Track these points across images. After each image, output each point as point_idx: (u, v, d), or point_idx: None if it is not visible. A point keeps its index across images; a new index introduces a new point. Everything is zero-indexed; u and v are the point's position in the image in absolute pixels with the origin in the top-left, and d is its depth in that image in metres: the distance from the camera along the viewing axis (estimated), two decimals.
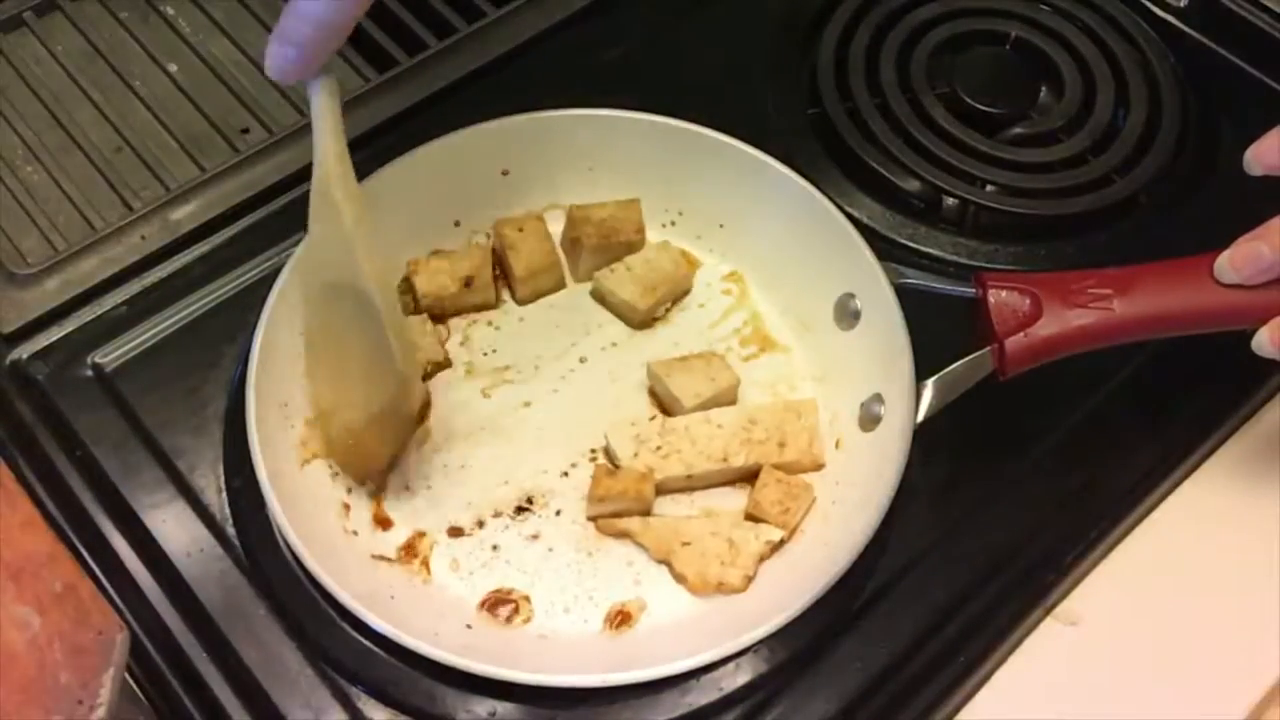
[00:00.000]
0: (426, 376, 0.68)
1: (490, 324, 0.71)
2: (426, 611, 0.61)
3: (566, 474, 0.66)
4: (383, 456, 0.64)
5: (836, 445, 0.66)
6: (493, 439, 0.67)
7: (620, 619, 0.62)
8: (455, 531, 0.64)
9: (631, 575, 0.64)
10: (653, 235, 0.73)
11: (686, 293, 0.72)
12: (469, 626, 0.61)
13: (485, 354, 0.70)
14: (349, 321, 0.61)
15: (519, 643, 0.61)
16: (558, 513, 0.65)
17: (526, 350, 0.70)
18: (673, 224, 0.74)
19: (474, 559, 0.64)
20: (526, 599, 0.63)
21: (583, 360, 0.70)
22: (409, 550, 0.64)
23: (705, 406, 0.67)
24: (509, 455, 0.67)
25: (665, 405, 0.68)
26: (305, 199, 0.73)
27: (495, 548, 0.64)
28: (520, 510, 0.65)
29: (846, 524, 0.61)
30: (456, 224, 0.73)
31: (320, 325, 0.63)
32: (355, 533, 0.64)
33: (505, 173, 0.73)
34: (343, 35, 0.55)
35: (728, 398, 0.68)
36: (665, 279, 0.71)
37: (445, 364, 0.69)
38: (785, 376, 0.70)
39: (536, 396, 0.69)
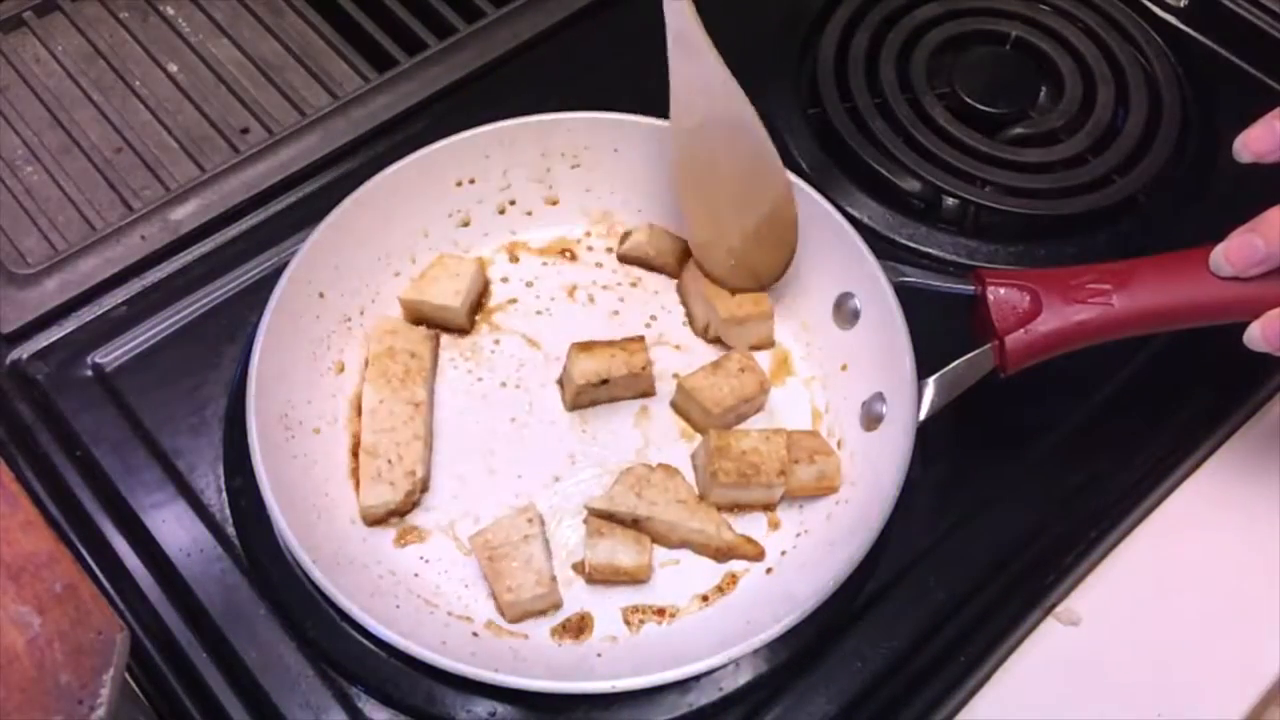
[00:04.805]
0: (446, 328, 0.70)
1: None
2: (431, 619, 0.61)
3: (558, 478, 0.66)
4: (773, 264, 0.69)
5: (839, 445, 0.66)
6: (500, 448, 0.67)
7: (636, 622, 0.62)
8: (455, 535, 0.64)
9: None
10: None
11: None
12: (475, 635, 0.61)
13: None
14: (717, 150, 0.67)
15: (524, 649, 0.61)
16: (559, 520, 0.65)
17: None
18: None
19: (475, 565, 0.63)
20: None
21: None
22: (409, 542, 0.64)
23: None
24: (510, 467, 0.66)
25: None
26: (306, 199, 0.74)
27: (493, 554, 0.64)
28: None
29: (851, 524, 0.61)
30: (465, 224, 0.73)
31: (690, 165, 0.69)
32: (358, 534, 0.63)
33: (505, 172, 0.73)
34: None
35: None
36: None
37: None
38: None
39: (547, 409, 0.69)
